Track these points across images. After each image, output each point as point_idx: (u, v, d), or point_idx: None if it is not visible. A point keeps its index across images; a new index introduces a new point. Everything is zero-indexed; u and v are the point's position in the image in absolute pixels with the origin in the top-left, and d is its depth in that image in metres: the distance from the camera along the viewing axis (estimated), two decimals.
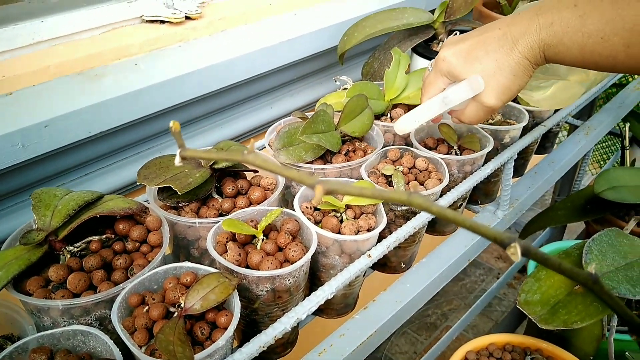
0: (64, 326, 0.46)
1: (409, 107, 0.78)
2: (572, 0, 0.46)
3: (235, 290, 0.47)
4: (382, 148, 0.68)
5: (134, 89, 0.68)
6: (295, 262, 0.50)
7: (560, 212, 1.01)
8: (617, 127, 1.26)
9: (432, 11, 0.85)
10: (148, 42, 0.77)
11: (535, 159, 0.91)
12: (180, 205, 0.58)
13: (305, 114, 0.70)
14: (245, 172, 0.65)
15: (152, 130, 0.75)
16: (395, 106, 0.77)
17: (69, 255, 0.51)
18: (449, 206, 0.67)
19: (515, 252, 0.24)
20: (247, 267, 0.51)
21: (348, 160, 0.66)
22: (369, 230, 0.57)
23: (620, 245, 0.76)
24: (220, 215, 0.59)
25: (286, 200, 0.68)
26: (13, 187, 0.64)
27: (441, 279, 0.67)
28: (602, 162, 2.02)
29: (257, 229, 0.53)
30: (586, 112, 1.30)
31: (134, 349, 0.43)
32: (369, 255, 0.56)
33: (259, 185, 0.62)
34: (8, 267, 0.47)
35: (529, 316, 0.74)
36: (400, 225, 0.61)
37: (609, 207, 0.94)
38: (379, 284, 0.69)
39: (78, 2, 0.74)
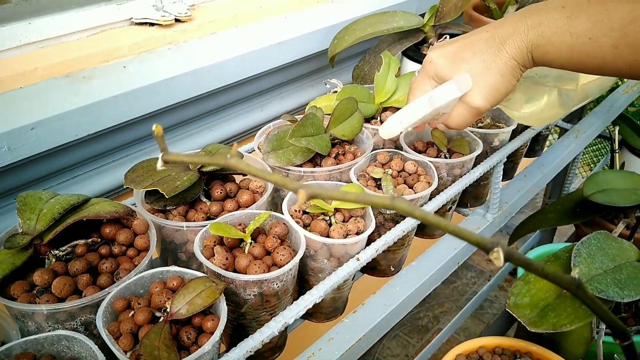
0: (49, 331, 0.46)
1: (398, 110, 0.78)
2: (560, 2, 0.46)
3: (222, 294, 0.47)
4: (372, 151, 0.68)
5: (123, 92, 0.68)
6: (283, 266, 0.50)
7: (550, 215, 1.01)
8: (607, 130, 1.27)
9: (423, 15, 0.85)
10: (137, 45, 0.76)
11: (524, 162, 0.91)
12: (167, 208, 0.58)
13: (295, 117, 0.70)
14: (234, 175, 0.65)
15: (141, 133, 0.74)
16: (385, 109, 0.77)
17: (54, 259, 0.50)
18: (438, 209, 0.67)
19: (498, 256, 0.24)
20: (235, 271, 0.51)
21: (337, 164, 0.66)
22: (357, 233, 0.57)
23: (608, 248, 0.76)
24: (209, 218, 0.59)
25: (275, 203, 0.68)
26: None
27: (431, 282, 0.67)
28: (592, 165, 2.04)
29: (245, 233, 0.53)
30: (576, 115, 1.31)
31: (119, 354, 0.42)
32: (358, 259, 0.56)
33: (248, 189, 0.62)
34: None
35: (519, 319, 0.74)
36: (390, 229, 0.61)
37: (599, 210, 0.95)
38: (369, 287, 0.69)
39: (66, 4, 0.74)
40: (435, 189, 0.65)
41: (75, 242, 0.52)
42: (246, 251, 0.52)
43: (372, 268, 0.69)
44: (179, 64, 0.74)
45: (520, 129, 0.82)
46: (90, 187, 0.71)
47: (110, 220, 0.54)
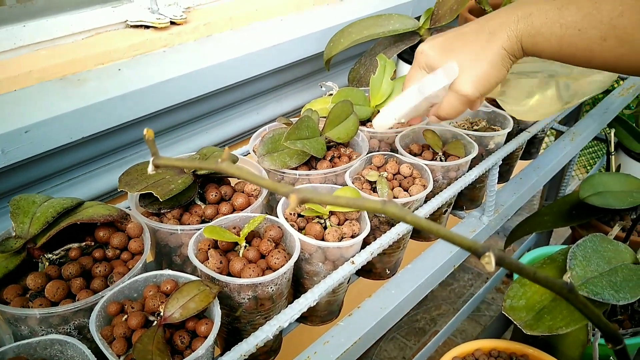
0: (42, 335, 0.46)
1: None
2: None
3: (216, 298, 0.46)
4: (367, 154, 0.68)
5: (117, 94, 0.68)
6: (278, 269, 0.50)
7: (546, 217, 1.01)
8: (603, 133, 1.27)
9: (418, 18, 0.85)
10: (132, 47, 0.76)
11: (520, 164, 0.91)
12: (162, 212, 0.58)
13: (291, 119, 0.70)
14: (229, 178, 0.65)
15: (135, 136, 0.74)
16: None
17: (47, 263, 0.50)
18: (434, 212, 0.66)
19: (489, 261, 0.24)
20: (229, 274, 0.51)
21: (333, 166, 0.66)
22: (353, 236, 0.57)
23: (604, 250, 0.76)
24: (203, 221, 0.59)
25: (271, 206, 0.68)
26: None
27: (426, 285, 0.66)
28: (588, 167, 2.04)
29: (240, 236, 0.53)
30: (573, 118, 1.31)
31: (112, 358, 0.42)
32: (353, 262, 0.55)
33: (243, 192, 0.62)
34: None
35: (514, 322, 0.74)
36: (385, 232, 0.61)
37: (595, 212, 0.95)
38: (364, 290, 0.69)
39: (61, 6, 0.74)
40: (431, 191, 0.65)
41: (68, 246, 0.52)
42: (240, 255, 0.52)
43: (367, 271, 0.69)
44: (174, 67, 0.74)
45: (516, 132, 0.82)
46: (84, 191, 0.71)
47: (104, 223, 0.54)
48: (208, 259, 0.51)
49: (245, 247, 0.53)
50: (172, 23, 0.81)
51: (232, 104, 0.86)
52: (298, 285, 0.60)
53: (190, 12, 0.86)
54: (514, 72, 0.58)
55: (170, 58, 0.77)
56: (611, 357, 0.81)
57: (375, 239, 0.59)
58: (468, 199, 0.81)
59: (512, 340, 0.92)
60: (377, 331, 0.60)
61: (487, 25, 0.50)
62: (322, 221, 0.58)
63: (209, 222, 0.57)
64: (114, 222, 0.54)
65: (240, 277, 0.49)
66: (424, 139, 0.72)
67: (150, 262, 0.63)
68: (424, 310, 1.76)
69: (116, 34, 0.78)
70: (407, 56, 0.84)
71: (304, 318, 0.62)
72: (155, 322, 0.45)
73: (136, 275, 0.49)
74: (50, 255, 0.51)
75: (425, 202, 0.66)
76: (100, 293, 0.47)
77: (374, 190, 0.64)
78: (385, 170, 0.66)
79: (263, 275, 0.50)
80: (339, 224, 0.59)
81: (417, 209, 0.64)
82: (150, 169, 0.27)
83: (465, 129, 0.76)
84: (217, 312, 0.46)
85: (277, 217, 0.57)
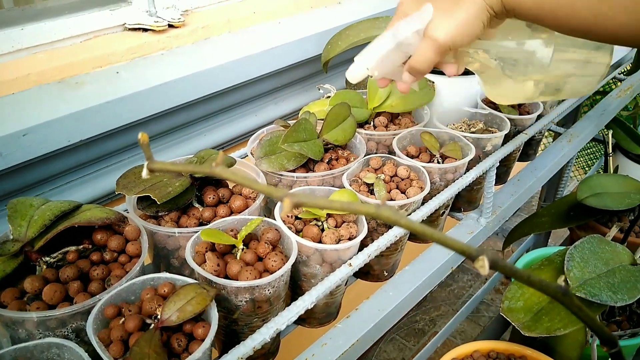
0: (40, 338, 0.46)
1: (392, 115, 0.78)
2: None
3: (213, 301, 0.46)
4: (365, 156, 0.68)
5: (116, 97, 0.68)
6: (275, 272, 0.50)
7: (544, 218, 1.01)
8: (601, 134, 1.27)
9: None
10: (130, 50, 0.76)
11: (518, 166, 0.91)
12: (159, 214, 0.58)
13: (288, 122, 0.70)
14: (226, 181, 0.65)
15: (133, 138, 0.74)
16: (378, 114, 0.77)
17: (45, 266, 0.50)
18: (431, 214, 0.67)
19: (483, 265, 0.24)
20: (226, 277, 0.51)
21: (330, 169, 0.66)
22: (350, 239, 0.57)
23: (602, 252, 0.77)
24: (201, 224, 0.59)
25: (269, 208, 0.68)
26: None
27: (424, 286, 0.67)
28: (587, 168, 2.04)
29: (237, 239, 0.53)
30: (571, 119, 1.31)
31: None
32: (350, 264, 0.56)
33: (241, 194, 0.62)
34: None
35: (513, 323, 0.74)
36: (382, 234, 0.61)
37: (592, 213, 0.95)
38: (362, 292, 0.69)
39: (59, 10, 0.74)
40: (428, 193, 0.65)
41: (66, 249, 0.52)
42: (238, 257, 0.52)
43: (365, 273, 0.69)
44: (172, 70, 0.75)
45: (513, 134, 0.82)
46: (82, 193, 0.71)
47: (101, 226, 0.54)
48: (205, 261, 0.51)
49: (243, 249, 0.53)
50: (170, 26, 0.81)
51: (230, 106, 0.87)
52: (296, 287, 0.60)
53: (188, 15, 0.86)
54: (497, 57, 0.55)
55: (168, 61, 0.77)
56: (610, 359, 0.81)
57: (372, 241, 0.59)
58: (466, 200, 0.81)
59: (510, 342, 0.92)
60: (375, 333, 0.60)
61: None
62: (320, 223, 0.58)
63: (206, 224, 0.57)
64: (111, 225, 0.54)
65: (237, 280, 0.49)
66: (421, 141, 0.72)
67: (149, 264, 0.63)
68: (423, 311, 1.76)
69: (114, 37, 0.79)
70: None
71: (301, 320, 0.62)
72: (153, 325, 0.45)
73: (133, 278, 0.49)
74: (47, 259, 0.51)
75: (423, 204, 0.66)
76: (97, 296, 0.47)
77: (372, 192, 0.65)
78: (383, 173, 0.66)
79: (260, 277, 0.50)
80: (336, 226, 0.59)
81: (414, 211, 0.64)
82: (144, 173, 0.27)
83: (462, 131, 0.76)
84: (214, 315, 0.46)
85: (275, 219, 0.57)
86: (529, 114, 0.86)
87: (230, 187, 0.64)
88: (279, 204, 0.59)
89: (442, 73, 0.78)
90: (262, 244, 0.53)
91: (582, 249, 0.76)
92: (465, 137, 0.73)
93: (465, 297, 1.82)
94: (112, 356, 0.43)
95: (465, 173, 0.71)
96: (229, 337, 0.55)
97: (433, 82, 0.79)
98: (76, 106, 0.65)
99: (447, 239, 0.24)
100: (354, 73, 0.54)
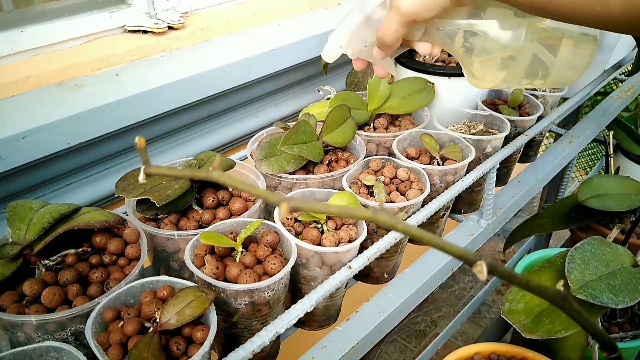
0: (39, 342, 0.46)
1: (392, 117, 0.78)
2: None
3: (212, 304, 0.46)
4: (365, 158, 0.68)
5: (115, 100, 0.68)
6: (274, 275, 0.50)
7: (545, 220, 1.01)
8: (602, 135, 1.27)
9: None
10: (130, 52, 0.76)
11: (519, 167, 0.91)
12: (159, 217, 0.58)
13: (288, 124, 0.70)
14: None
15: (133, 141, 0.74)
16: (378, 116, 0.77)
17: (44, 269, 0.50)
18: (431, 216, 0.66)
19: (481, 270, 0.24)
20: (226, 280, 0.51)
21: (330, 171, 0.66)
22: (350, 241, 0.57)
23: (603, 253, 0.76)
24: (201, 226, 0.59)
25: (269, 210, 0.68)
26: None
27: (425, 288, 0.66)
28: (588, 169, 2.04)
29: (236, 242, 0.53)
30: (572, 120, 1.31)
31: None
32: (350, 267, 0.55)
33: (240, 196, 0.62)
34: None
35: (513, 325, 0.74)
36: (382, 236, 0.61)
37: (593, 215, 0.95)
38: (362, 294, 0.68)
39: (58, 12, 0.74)
40: (428, 195, 0.65)
41: (65, 252, 0.52)
42: (237, 260, 0.52)
43: (365, 275, 0.69)
44: (172, 72, 0.75)
45: (513, 135, 0.82)
46: (82, 196, 0.71)
47: (100, 229, 0.54)
48: (204, 264, 0.51)
49: (242, 252, 0.53)
50: (170, 28, 0.81)
51: (230, 108, 0.87)
52: (295, 290, 0.60)
53: (188, 17, 0.86)
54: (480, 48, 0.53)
55: (168, 63, 0.77)
56: None
57: (372, 243, 0.59)
58: (466, 202, 0.81)
59: (511, 344, 0.91)
60: (375, 336, 0.60)
61: None
62: (319, 226, 0.58)
63: (206, 227, 0.57)
64: (110, 227, 0.54)
65: (236, 283, 0.49)
66: (421, 143, 0.72)
67: (148, 267, 0.63)
68: (425, 312, 1.76)
69: (114, 39, 0.79)
70: (405, 60, 0.84)
71: (301, 323, 0.62)
72: (152, 328, 0.45)
73: (133, 281, 0.49)
74: (46, 262, 0.51)
75: (423, 206, 0.66)
76: (96, 299, 0.47)
77: (371, 194, 0.64)
78: (383, 175, 0.66)
79: (260, 280, 0.50)
80: (336, 229, 0.59)
81: (414, 213, 0.64)
82: (141, 178, 0.27)
83: (462, 133, 0.76)
84: (213, 318, 0.46)
85: (274, 222, 0.57)
86: (529, 115, 0.85)
87: (230, 189, 0.64)
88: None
89: (443, 74, 0.79)
90: (262, 247, 0.53)
91: (583, 251, 0.76)
92: (465, 138, 0.73)
93: (466, 299, 1.82)
94: None
95: (465, 175, 0.71)
96: (228, 340, 0.55)
97: (433, 84, 0.79)
98: (76, 108, 0.65)
99: (445, 244, 0.24)
100: (328, 51, 0.53)
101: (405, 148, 0.73)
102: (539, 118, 0.86)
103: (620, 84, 1.20)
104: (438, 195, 0.67)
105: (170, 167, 0.32)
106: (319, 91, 0.81)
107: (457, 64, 0.82)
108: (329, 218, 0.59)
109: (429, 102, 0.78)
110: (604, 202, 0.90)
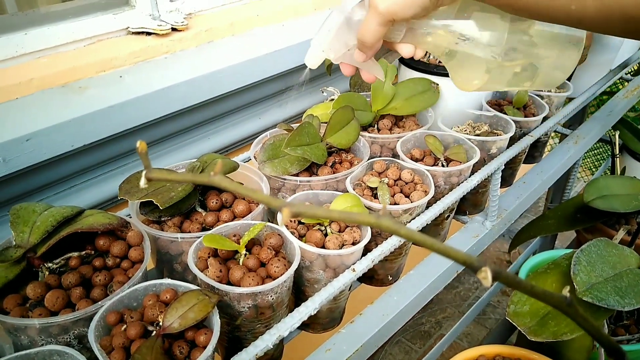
0: (42, 345, 0.46)
1: (396, 118, 0.78)
2: None
3: (216, 307, 0.46)
4: (369, 160, 0.68)
5: (119, 101, 0.68)
6: (278, 277, 0.50)
7: (550, 221, 1.01)
8: (608, 135, 1.26)
9: None
10: (134, 54, 0.76)
11: (524, 168, 0.90)
12: (162, 219, 0.58)
13: (292, 125, 0.70)
14: None
15: (136, 143, 0.74)
16: (382, 117, 0.76)
17: (47, 272, 0.50)
18: (436, 218, 0.66)
19: (485, 276, 0.24)
20: (229, 283, 0.50)
21: (334, 172, 0.66)
22: (353, 243, 0.57)
23: (609, 255, 0.76)
24: (204, 229, 0.59)
25: (272, 212, 0.68)
26: None
27: (429, 290, 0.66)
28: (594, 169, 2.02)
29: (240, 244, 0.52)
30: (577, 121, 1.30)
31: None
32: (354, 270, 0.55)
33: (244, 199, 0.62)
34: None
35: (519, 328, 0.73)
36: (387, 238, 0.60)
37: (599, 216, 0.94)
38: (366, 297, 0.68)
39: (62, 14, 0.74)
40: (433, 197, 0.64)
41: (68, 255, 0.52)
42: (240, 263, 0.52)
43: (369, 277, 0.69)
44: (175, 73, 0.74)
45: (519, 136, 0.82)
46: (85, 198, 0.71)
47: (104, 232, 0.54)
48: (208, 267, 0.51)
49: (245, 255, 0.53)
50: (174, 29, 0.81)
51: (234, 109, 0.86)
52: (299, 292, 0.60)
53: (191, 19, 0.86)
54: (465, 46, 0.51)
55: (172, 64, 0.77)
56: None
57: (376, 245, 0.59)
58: (471, 203, 0.81)
59: (516, 346, 0.91)
60: (379, 338, 0.59)
61: None
62: (323, 228, 0.58)
63: (209, 229, 0.57)
64: (114, 230, 0.54)
65: (240, 286, 0.49)
66: (425, 144, 0.71)
67: (152, 269, 0.62)
68: (429, 313, 1.76)
69: (117, 40, 0.79)
70: (409, 60, 0.84)
71: (305, 325, 0.62)
72: (155, 332, 0.45)
73: (136, 284, 0.49)
74: (50, 265, 0.51)
75: (427, 208, 0.65)
76: (99, 302, 0.47)
77: (375, 196, 0.64)
78: (387, 176, 0.66)
79: (263, 283, 0.49)
80: (339, 231, 0.58)
81: (418, 215, 0.64)
82: (142, 183, 0.26)
83: (467, 134, 0.75)
84: (216, 322, 0.46)
85: (278, 224, 0.57)
86: (534, 115, 0.85)
87: None
88: None
89: (447, 75, 0.78)
90: (265, 250, 0.53)
91: (588, 253, 0.75)
92: (469, 139, 0.73)
93: (471, 300, 1.81)
94: None
95: (470, 176, 0.70)
96: (231, 344, 0.54)
97: (437, 85, 0.79)
98: (79, 111, 0.65)
99: (449, 249, 0.24)
100: (310, 56, 0.52)
101: (410, 149, 0.73)
102: (545, 118, 0.86)
103: (626, 84, 1.19)
104: (442, 197, 0.67)
105: (172, 171, 0.31)
106: (322, 92, 0.80)
107: None
108: (332, 220, 0.59)
109: (433, 103, 0.77)
110: (610, 203, 0.89)
